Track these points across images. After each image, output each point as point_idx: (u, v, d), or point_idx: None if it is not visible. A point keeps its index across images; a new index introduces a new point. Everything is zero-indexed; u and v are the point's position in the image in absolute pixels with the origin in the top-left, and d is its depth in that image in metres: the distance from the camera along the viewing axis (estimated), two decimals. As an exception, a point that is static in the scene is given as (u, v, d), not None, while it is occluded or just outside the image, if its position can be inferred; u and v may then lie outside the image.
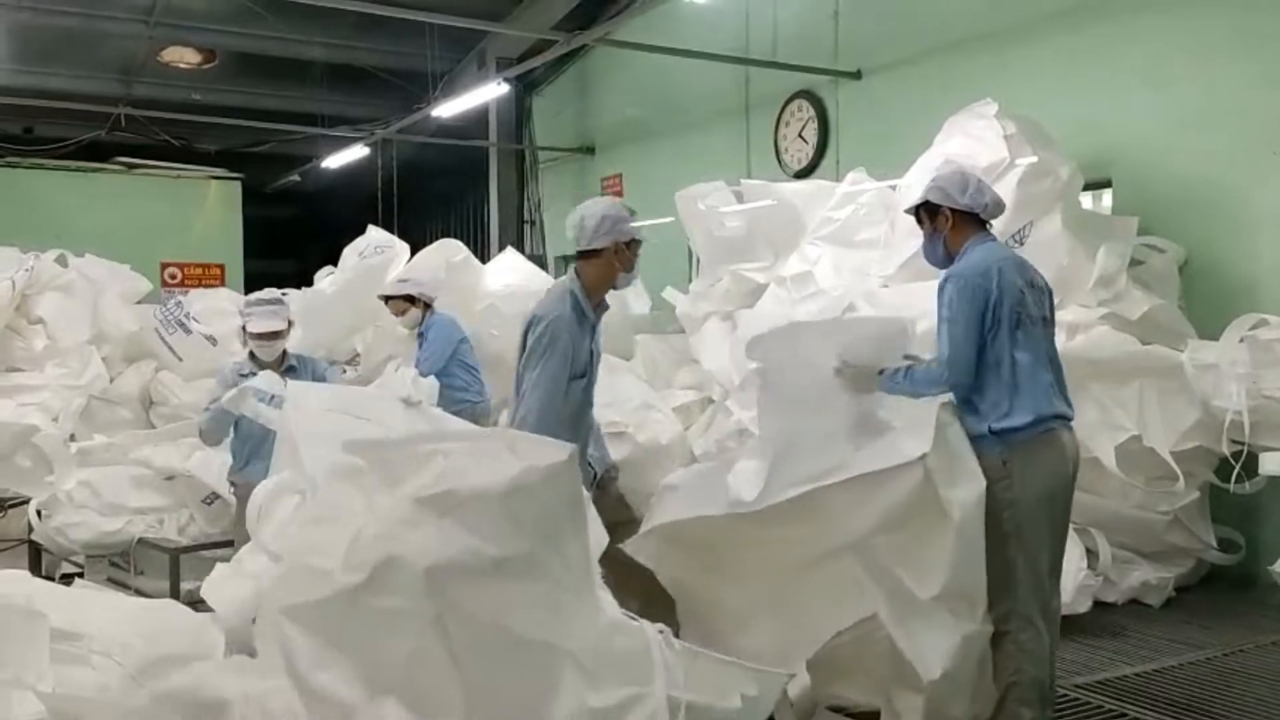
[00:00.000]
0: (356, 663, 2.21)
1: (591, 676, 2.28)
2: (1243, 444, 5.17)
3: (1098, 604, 5.03)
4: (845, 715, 3.73)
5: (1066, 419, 3.51)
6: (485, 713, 2.19)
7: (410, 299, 6.37)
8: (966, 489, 3.37)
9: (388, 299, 6.49)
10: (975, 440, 3.46)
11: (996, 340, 3.42)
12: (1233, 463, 5.19)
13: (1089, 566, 4.99)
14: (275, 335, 4.98)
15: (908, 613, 3.37)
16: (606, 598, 2.47)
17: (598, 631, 2.35)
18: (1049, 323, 3.62)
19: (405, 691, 2.17)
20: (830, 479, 3.38)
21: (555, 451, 2.35)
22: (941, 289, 3.50)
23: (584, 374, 3.88)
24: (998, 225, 5.52)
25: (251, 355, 5.03)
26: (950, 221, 3.60)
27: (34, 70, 12.24)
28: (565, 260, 12.28)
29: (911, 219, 3.82)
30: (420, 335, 6.32)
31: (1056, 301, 5.35)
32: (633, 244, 3.91)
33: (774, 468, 3.47)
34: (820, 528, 3.46)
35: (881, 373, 3.52)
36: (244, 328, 5.02)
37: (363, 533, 2.25)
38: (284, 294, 5.94)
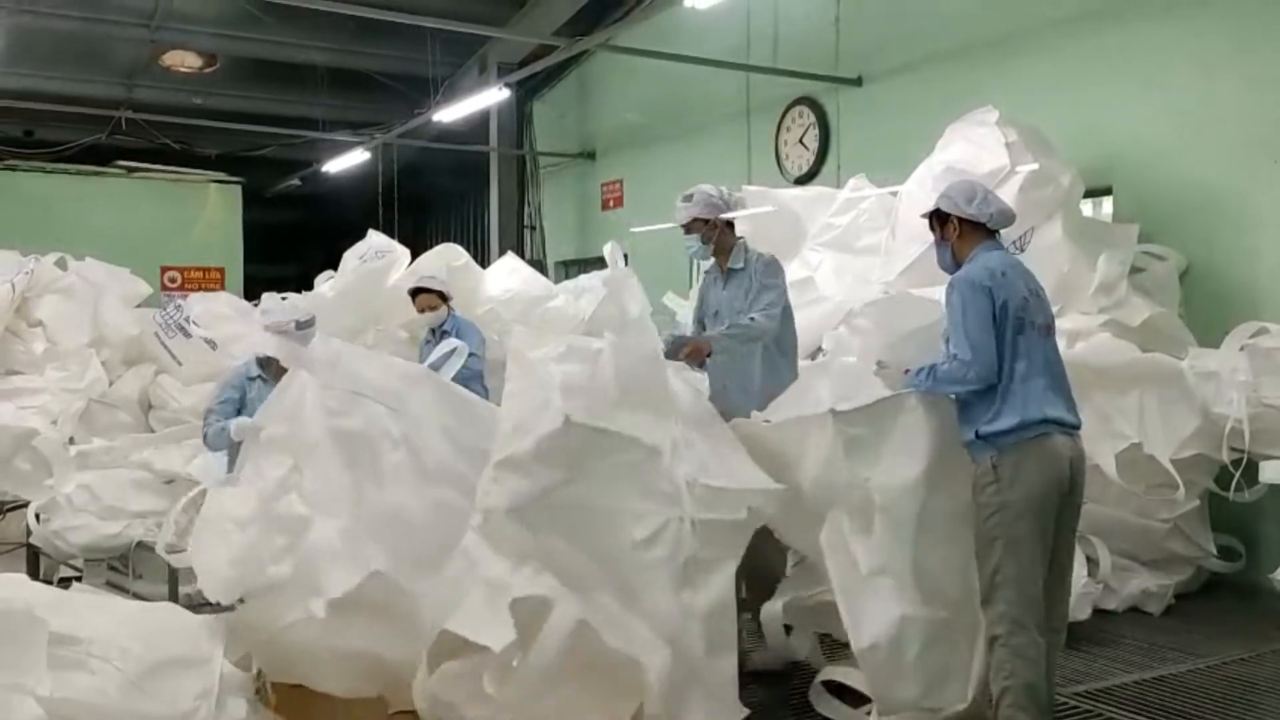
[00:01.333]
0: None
1: (641, 517, 3.34)
2: (1243, 452, 5.17)
3: (1098, 611, 5.03)
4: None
5: (1064, 424, 3.51)
6: (588, 562, 3.24)
7: (443, 297, 6.34)
8: (893, 473, 3.52)
9: (417, 293, 6.42)
10: (966, 445, 3.53)
11: (997, 345, 3.46)
12: (1233, 471, 5.19)
13: (1089, 574, 4.99)
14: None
15: (850, 582, 3.52)
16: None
17: (639, 487, 3.38)
18: (1051, 330, 3.64)
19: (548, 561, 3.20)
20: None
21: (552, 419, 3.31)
22: (949, 294, 3.58)
23: (714, 311, 4.85)
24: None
25: (258, 360, 5.03)
26: (958, 230, 3.70)
27: (35, 73, 12.25)
28: (565, 265, 12.29)
29: (917, 224, 3.92)
30: (444, 334, 6.28)
31: (1057, 309, 5.41)
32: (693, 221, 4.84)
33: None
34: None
35: (907, 372, 3.68)
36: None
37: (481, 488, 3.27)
38: (284, 298, 5.91)
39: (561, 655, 3.01)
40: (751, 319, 4.61)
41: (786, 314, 4.79)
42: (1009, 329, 3.47)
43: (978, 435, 3.46)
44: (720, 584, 3.42)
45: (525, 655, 3.00)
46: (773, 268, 4.76)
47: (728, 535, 3.51)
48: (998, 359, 3.45)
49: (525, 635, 2.98)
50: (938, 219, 3.75)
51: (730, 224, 4.88)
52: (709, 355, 4.55)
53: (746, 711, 3.39)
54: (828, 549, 3.58)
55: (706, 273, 5.04)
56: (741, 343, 4.61)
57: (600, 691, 3.15)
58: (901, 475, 3.53)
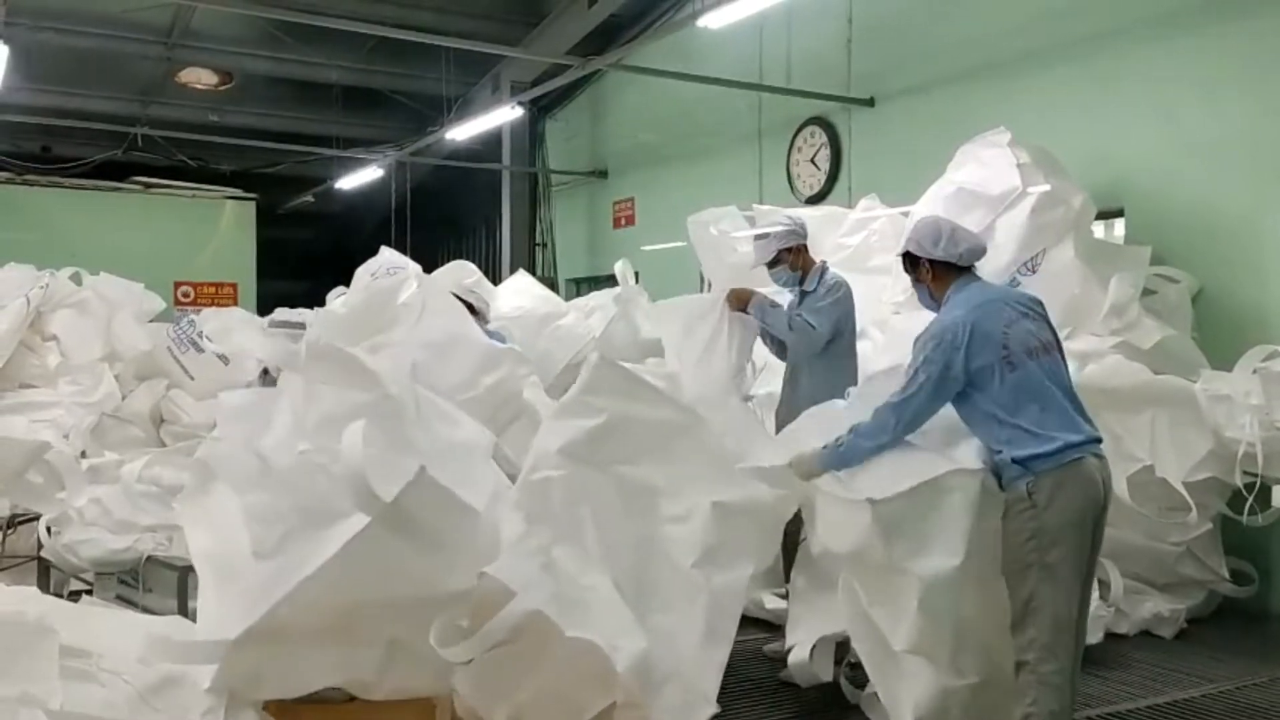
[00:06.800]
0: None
1: (676, 495, 3.54)
2: (1256, 475, 5.13)
3: (1109, 635, 5.00)
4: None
5: (1095, 443, 3.48)
6: (614, 539, 3.37)
7: (472, 310, 6.32)
8: (936, 562, 3.39)
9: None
10: (1000, 469, 3.46)
11: (989, 387, 3.45)
12: (1245, 494, 5.16)
13: (1101, 597, 4.95)
14: None
15: (883, 658, 3.48)
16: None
17: (679, 458, 3.59)
18: (1051, 348, 3.59)
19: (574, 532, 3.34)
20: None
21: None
22: (915, 343, 3.60)
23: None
24: (1010, 253, 5.60)
25: (265, 372, 5.07)
26: (930, 271, 3.72)
27: (52, 90, 12.35)
28: (576, 283, 12.32)
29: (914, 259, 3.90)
30: None
31: (1069, 331, 5.40)
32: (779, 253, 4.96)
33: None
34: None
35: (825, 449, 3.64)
36: None
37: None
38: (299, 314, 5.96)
39: (505, 636, 3.06)
40: (790, 324, 4.84)
41: (842, 342, 4.87)
42: (994, 372, 3.43)
43: (1014, 461, 3.39)
44: (736, 574, 3.50)
45: (478, 627, 3.07)
46: (832, 291, 4.88)
47: (754, 529, 3.61)
48: (929, 414, 3.51)
49: (485, 612, 3.05)
50: (910, 261, 3.78)
51: (806, 247, 5.04)
52: (745, 308, 4.93)
53: (717, 709, 3.38)
54: (847, 616, 3.59)
55: (786, 288, 5.15)
56: (766, 322, 4.92)
57: (581, 679, 3.16)
58: (943, 563, 3.40)
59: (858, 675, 4.15)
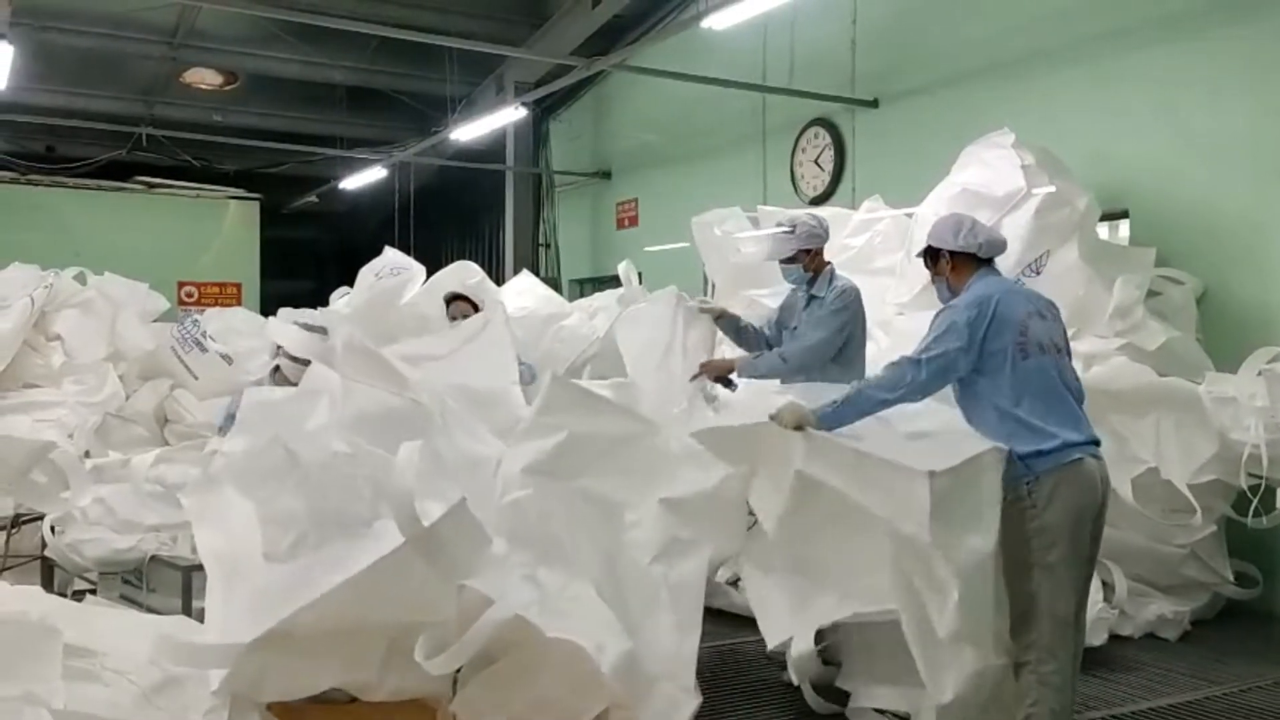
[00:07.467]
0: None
1: (635, 505, 3.62)
2: (1261, 478, 5.13)
3: (1113, 637, 4.98)
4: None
5: (1094, 444, 3.49)
6: (586, 552, 3.42)
7: (476, 307, 6.30)
8: (975, 542, 3.37)
9: (453, 299, 6.38)
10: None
11: (1000, 374, 3.46)
12: (1250, 496, 5.15)
13: (1105, 599, 4.95)
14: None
15: (927, 639, 3.43)
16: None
17: (636, 469, 3.67)
18: (1063, 351, 3.62)
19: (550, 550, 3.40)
20: (866, 448, 3.50)
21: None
22: (936, 317, 3.61)
23: (794, 326, 4.91)
24: (1014, 255, 5.58)
25: (276, 370, 5.09)
26: (950, 264, 3.73)
27: (57, 89, 12.38)
28: (579, 283, 12.32)
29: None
30: None
31: (1073, 332, 5.38)
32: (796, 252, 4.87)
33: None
34: (852, 487, 3.57)
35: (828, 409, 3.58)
36: (279, 346, 5.08)
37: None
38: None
39: (487, 643, 3.05)
40: (782, 358, 4.72)
41: (853, 346, 4.81)
42: (1008, 356, 3.45)
43: (1015, 458, 3.40)
44: (693, 563, 3.57)
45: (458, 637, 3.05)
46: (842, 300, 4.80)
47: (709, 516, 3.66)
48: (943, 378, 3.48)
49: (467, 625, 3.04)
50: (930, 256, 3.80)
51: (822, 250, 4.99)
52: (730, 375, 4.76)
53: (700, 698, 3.37)
54: (902, 606, 3.51)
55: (794, 289, 5.08)
56: (759, 373, 4.74)
57: (574, 686, 3.17)
58: (982, 544, 3.37)
59: (829, 672, 4.16)
